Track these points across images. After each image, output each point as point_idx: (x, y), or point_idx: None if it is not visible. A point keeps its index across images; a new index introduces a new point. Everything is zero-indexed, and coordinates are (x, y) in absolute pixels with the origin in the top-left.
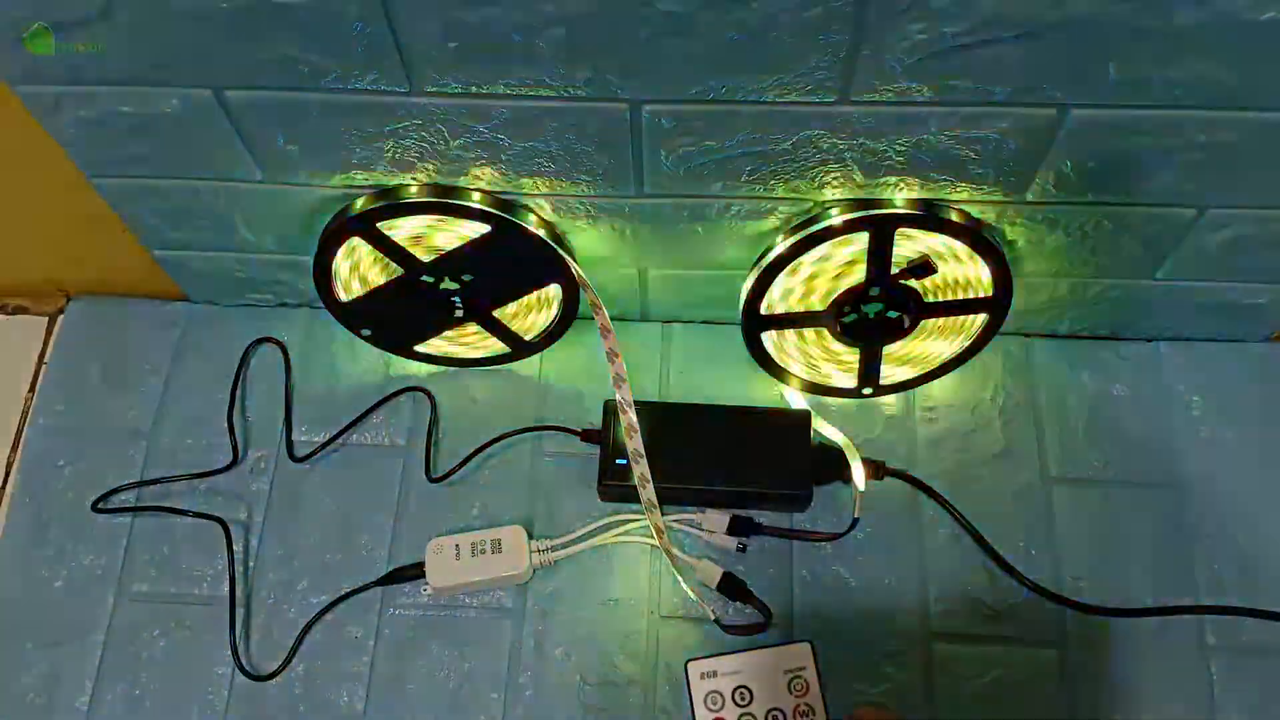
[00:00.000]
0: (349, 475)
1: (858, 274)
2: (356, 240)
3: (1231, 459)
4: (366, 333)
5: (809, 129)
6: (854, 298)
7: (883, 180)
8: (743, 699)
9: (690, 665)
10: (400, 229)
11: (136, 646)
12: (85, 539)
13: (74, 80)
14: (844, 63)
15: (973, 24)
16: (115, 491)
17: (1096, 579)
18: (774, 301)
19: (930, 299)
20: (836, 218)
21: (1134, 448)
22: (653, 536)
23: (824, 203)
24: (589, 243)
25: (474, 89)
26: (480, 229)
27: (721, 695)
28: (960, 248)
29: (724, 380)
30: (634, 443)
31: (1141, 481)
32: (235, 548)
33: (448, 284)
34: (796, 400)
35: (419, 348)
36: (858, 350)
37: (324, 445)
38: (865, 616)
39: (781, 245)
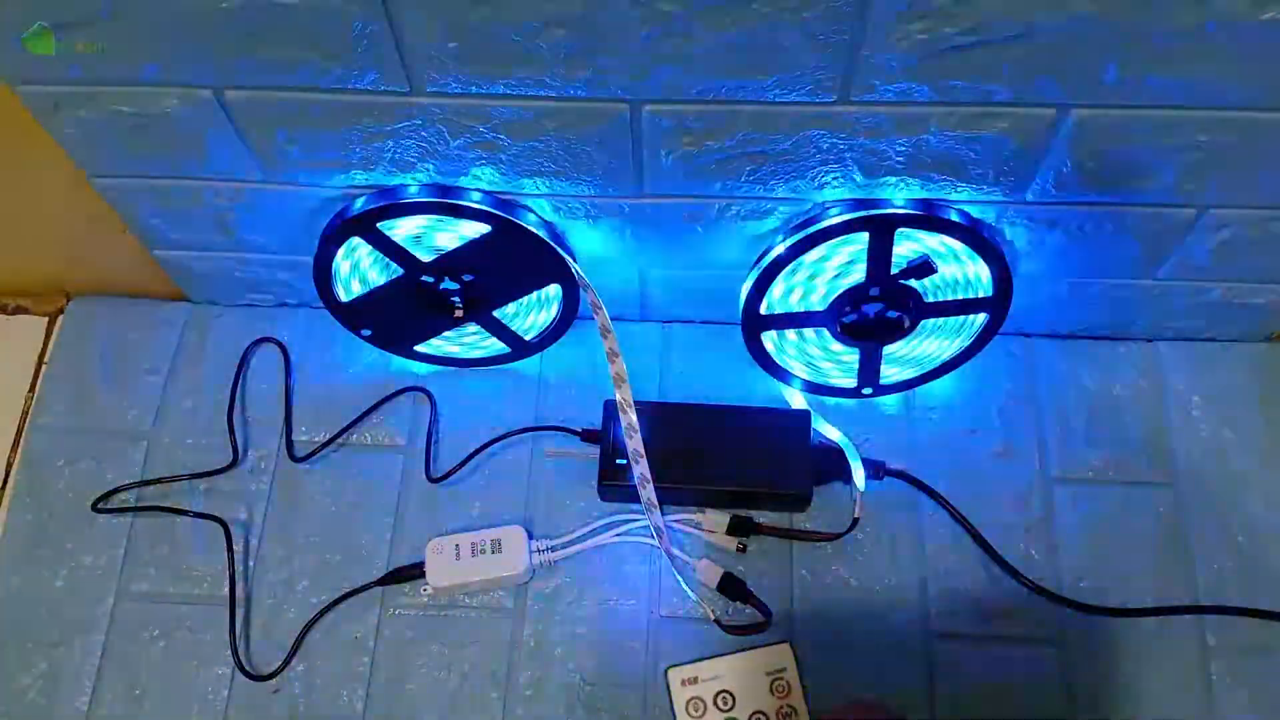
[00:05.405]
0: (349, 475)
1: (858, 274)
2: (356, 240)
3: (1231, 459)
4: (366, 333)
5: (809, 129)
6: (854, 298)
7: (883, 180)
8: (725, 704)
9: (671, 672)
10: (400, 229)
11: (136, 646)
12: (85, 539)
13: (74, 80)
14: (844, 63)
15: (973, 24)
16: (115, 491)
17: (1096, 579)
18: (774, 301)
19: (930, 299)
20: (836, 218)
21: (1134, 448)
22: (653, 536)
23: (824, 203)
24: (589, 243)
25: (474, 89)
26: (480, 229)
27: (703, 701)
28: (960, 248)
29: (724, 380)
30: (634, 443)
31: (1141, 481)
32: (235, 548)
33: (448, 284)
34: (796, 400)
35: (419, 348)
36: (858, 350)
37: (324, 445)
38: (865, 616)
39: (781, 245)
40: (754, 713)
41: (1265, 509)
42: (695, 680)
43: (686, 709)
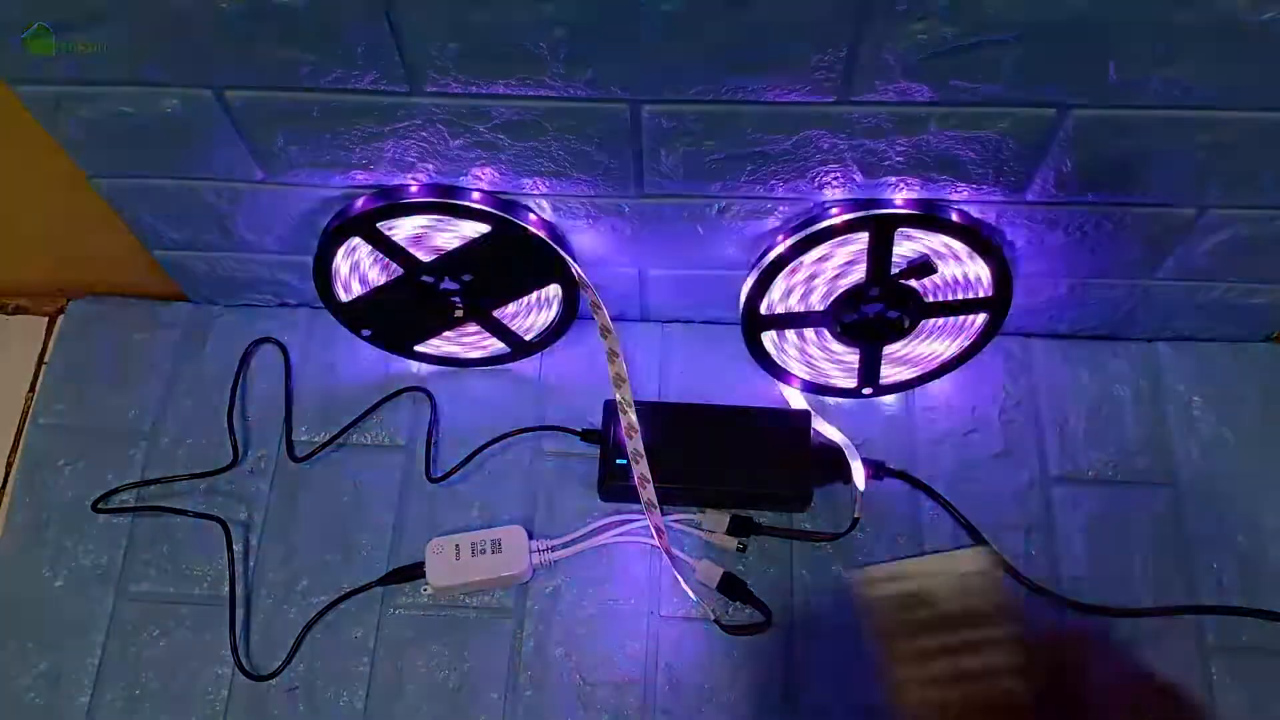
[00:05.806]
0: (349, 475)
1: (858, 274)
2: (356, 240)
3: (1231, 459)
4: (366, 333)
5: (809, 129)
6: (854, 298)
7: (883, 180)
8: (916, 605)
9: (861, 572)
10: (400, 229)
11: (136, 646)
12: (85, 539)
13: (74, 80)
14: (844, 63)
15: (973, 24)
16: (115, 491)
17: (1096, 579)
18: (774, 301)
19: (930, 299)
20: (836, 218)
21: (1134, 448)
22: (653, 536)
23: (824, 203)
24: (589, 243)
25: (474, 89)
26: (480, 229)
27: (893, 601)
28: (960, 248)
29: (724, 380)
30: (634, 443)
31: (1141, 481)
32: (235, 548)
33: (448, 284)
34: (796, 400)
35: (419, 348)
36: (858, 350)
37: (324, 445)
38: None
39: (781, 245)
40: (943, 614)
41: (1265, 509)
42: (887, 580)
43: (877, 609)
